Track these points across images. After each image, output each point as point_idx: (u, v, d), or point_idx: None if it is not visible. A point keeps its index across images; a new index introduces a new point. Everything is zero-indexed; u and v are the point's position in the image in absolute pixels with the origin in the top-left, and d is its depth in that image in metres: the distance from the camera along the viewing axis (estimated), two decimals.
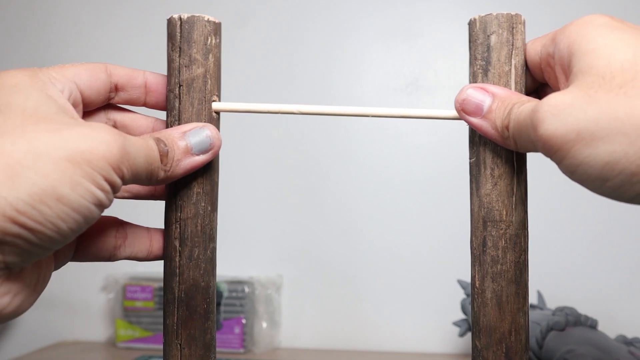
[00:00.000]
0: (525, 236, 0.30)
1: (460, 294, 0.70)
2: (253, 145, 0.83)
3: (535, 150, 0.26)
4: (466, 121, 0.29)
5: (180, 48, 0.30)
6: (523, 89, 0.30)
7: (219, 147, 0.30)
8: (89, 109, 0.30)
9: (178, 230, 0.30)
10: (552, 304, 0.68)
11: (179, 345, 0.30)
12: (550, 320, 0.55)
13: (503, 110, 0.28)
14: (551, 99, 0.24)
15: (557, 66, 0.27)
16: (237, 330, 0.76)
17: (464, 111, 0.29)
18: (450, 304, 0.74)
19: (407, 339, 0.80)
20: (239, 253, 0.82)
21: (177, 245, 0.30)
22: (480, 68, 0.30)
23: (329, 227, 0.82)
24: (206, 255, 0.31)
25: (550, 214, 0.80)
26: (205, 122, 0.30)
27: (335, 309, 0.82)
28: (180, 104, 0.30)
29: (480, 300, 0.30)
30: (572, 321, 0.55)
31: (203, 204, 0.30)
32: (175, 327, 0.30)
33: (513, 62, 0.30)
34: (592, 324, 0.56)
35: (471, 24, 0.30)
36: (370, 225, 0.82)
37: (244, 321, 0.77)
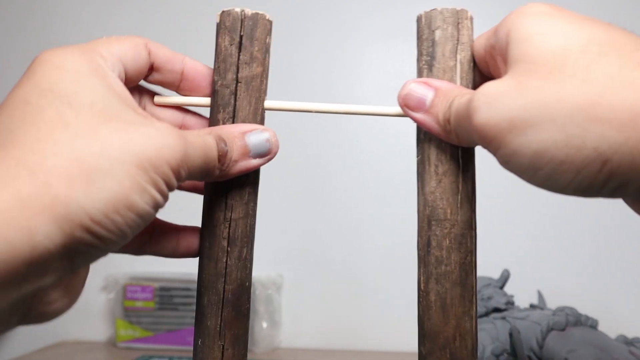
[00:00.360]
0: (472, 236, 0.29)
1: None
2: None
3: (475, 142, 0.26)
4: (409, 117, 0.28)
5: (241, 44, 0.29)
6: (470, 84, 0.29)
7: (276, 154, 0.29)
8: (130, 86, 0.29)
9: (227, 230, 0.29)
10: (552, 304, 0.68)
11: (222, 347, 0.29)
12: (551, 320, 0.55)
13: (445, 103, 0.27)
14: (485, 87, 0.23)
15: (499, 57, 0.27)
16: None
17: (406, 106, 0.28)
18: None
19: (407, 339, 0.80)
20: None
21: (226, 245, 0.29)
22: (426, 63, 0.29)
23: (330, 227, 0.82)
24: (251, 254, 0.30)
25: (550, 214, 0.80)
26: (259, 121, 0.30)
27: (335, 309, 0.82)
28: (237, 101, 0.29)
29: (425, 303, 0.28)
30: (572, 321, 0.55)
31: (252, 204, 0.30)
32: (219, 329, 0.29)
33: (458, 57, 0.29)
34: (592, 324, 0.56)
35: (418, 19, 0.30)
36: (371, 225, 0.82)
37: None
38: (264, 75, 0.30)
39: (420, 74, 0.30)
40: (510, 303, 0.65)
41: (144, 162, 0.22)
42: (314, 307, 0.82)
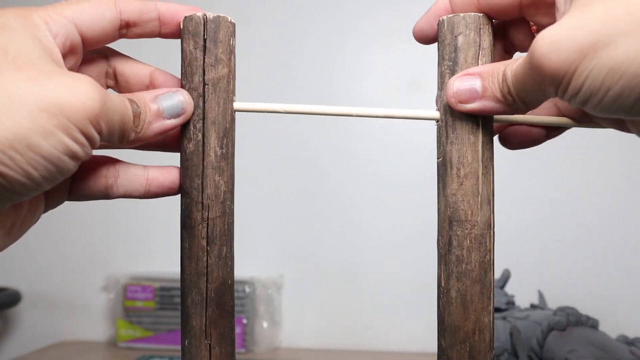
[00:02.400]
0: (491, 236, 0.31)
1: None
2: (253, 144, 0.83)
3: (547, 95, 0.26)
4: (467, 111, 0.29)
5: (205, 47, 0.30)
6: None
7: (191, 113, 0.29)
8: (96, 47, 0.29)
9: (205, 229, 0.30)
10: (553, 304, 0.68)
11: (208, 346, 0.30)
12: (552, 320, 0.55)
13: (496, 80, 0.27)
14: (545, 34, 0.24)
15: None
16: (238, 330, 0.76)
17: (461, 103, 0.29)
18: None
19: (407, 339, 0.80)
20: (239, 253, 0.82)
21: (205, 244, 0.30)
22: (448, 68, 0.30)
23: (330, 227, 0.82)
24: (232, 253, 0.31)
25: (551, 214, 0.80)
26: (229, 122, 0.30)
27: (336, 309, 0.82)
28: (205, 103, 0.30)
29: (445, 300, 0.31)
30: (573, 321, 0.55)
31: (229, 203, 0.31)
32: (204, 328, 0.30)
33: (480, 62, 0.30)
34: (593, 324, 0.56)
35: (440, 24, 0.31)
36: (371, 225, 0.82)
37: (244, 321, 0.77)
38: (230, 76, 0.30)
39: (442, 78, 0.31)
40: (510, 303, 0.65)
41: (52, 107, 0.22)
42: (314, 307, 0.82)
